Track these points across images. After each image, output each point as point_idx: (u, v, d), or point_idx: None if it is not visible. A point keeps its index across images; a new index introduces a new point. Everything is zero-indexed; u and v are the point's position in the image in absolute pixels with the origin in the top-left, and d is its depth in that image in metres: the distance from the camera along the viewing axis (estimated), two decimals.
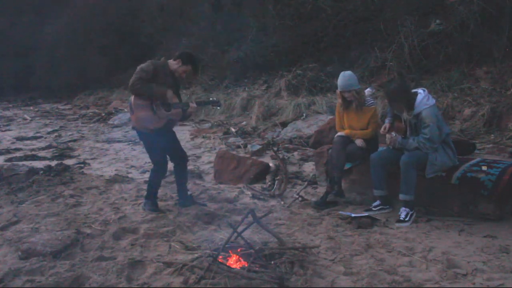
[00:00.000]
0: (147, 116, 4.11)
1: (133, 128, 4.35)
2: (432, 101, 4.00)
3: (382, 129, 4.30)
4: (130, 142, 8.46)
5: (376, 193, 4.27)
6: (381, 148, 4.49)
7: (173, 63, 4.26)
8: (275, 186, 5.17)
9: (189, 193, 4.64)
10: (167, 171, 4.49)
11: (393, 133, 4.16)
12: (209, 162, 6.47)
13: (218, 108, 5.07)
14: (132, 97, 4.12)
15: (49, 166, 6.05)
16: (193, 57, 4.36)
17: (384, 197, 4.26)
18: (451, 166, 4.05)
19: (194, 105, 4.35)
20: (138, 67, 4.11)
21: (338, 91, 4.58)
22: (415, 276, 2.93)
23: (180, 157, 4.47)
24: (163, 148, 4.29)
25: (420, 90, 4.06)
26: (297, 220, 4.10)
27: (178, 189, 4.53)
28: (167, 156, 4.43)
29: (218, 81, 12.49)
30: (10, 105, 16.78)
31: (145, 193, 4.54)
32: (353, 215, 4.07)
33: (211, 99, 4.68)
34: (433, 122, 3.89)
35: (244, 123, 9.63)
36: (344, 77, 4.50)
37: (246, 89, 11.42)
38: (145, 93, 4.06)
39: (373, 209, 4.25)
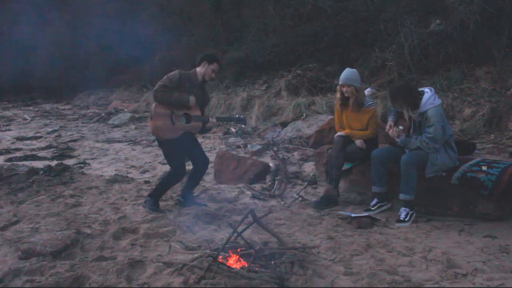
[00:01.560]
0: (165, 126, 4.14)
1: (153, 134, 4.40)
2: (438, 100, 4.00)
3: (387, 126, 4.28)
4: (130, 142, 8.46)
5: (375, 189, 4.27)
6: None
7: (199, 69, 4.29)
8: (275, 186, 5.17)
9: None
10: (183, 178, 4.50)
11: (401, 126, 4.13)
12: (209, 162, 6.46)
13: (243, 126, 4.94)
14: (154, 104, 4.16)
15: (49, 166, 6.05)
16: (215, 55, 4.43)
17: (381, 194, 4.26)
18: (451, 166, 4.06)
19: (214, 120, 4.37)
20: (166, 76, 4.15)
21: (338, 86, 4.59)
22: (415, 276, 2.93)
23: (201, 162, 4.48)
24: (181, 155, 4.31)
25: (427, 89, 4.06)
26: (297, 220, 4.10)
27: (185, 187, 4.53)
28: (189, 160, 4.45)
29: (218, 81, 12.48)
30: (10, 105, 16.76)
31: (145, 193, 4.54)
32: (353, 215, 4.07)
33: (236, 116, 4.64)
34: (438, 121, 3.90)
35: None
36: (348, 72, 4.54)
37: (246, 89, 11.41)
38: (165, 101, 4.09)
39: (372, 208, 4.26)
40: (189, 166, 4.53)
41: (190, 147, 4.38)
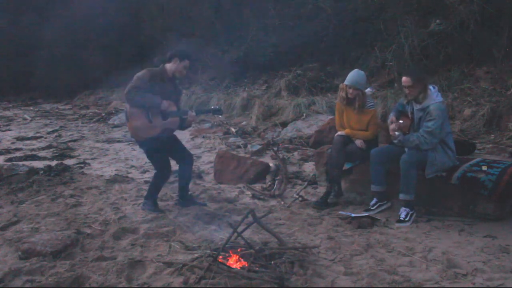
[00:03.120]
0: (142, 125, 4.08)
1: (132, 136, 4.35)
2: (440, 98, 4.05)
3: (389, 121, 4.27)
4: (130, 142, 8.46)
5: (374, 188, 4.27)
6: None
7: (170, 65, 4.21)
8: (275, 186, 5.17)
9: (189, 193, 4.64)
10: (170, 175, 4.48)
11: (401, 121, 4.12)
12: (209, 162, 6.46)
13: (220, 116, 4.93)
14: (128, 105, 4.10)
15: (49, 166, 6.04)
16: (187, 51, 4.33)
17: (380, 193, 4.27)
18: (451, 166, 4.06)
19: (193, 113, 4.31)
20: (135, 75, 4.07)
21: (343, 84, 4.53)
22: (415, 276, 2.93)
23: (185, 158, 4.44)
24: (163, 153, 4.27)
25: (430, 86, 4.08)
26: (297, 220, 4.10)
27: (179, 188, 4.52)
28: (171, 159, 4.40)
29: (218, 81, 12.47)
30: (10, 105, 16.75)
31: (145, 193, 4.54)
32: (353, 215, 4.07)
33: (212, 107, 4.59)
34: (439, 117, 3.91)
35: (244, 123, 9.62)
36: (356, 74, 4.50)
37: (246, 89, 11.41)
38: (138, 104, 4.02)
39: (372, 208, 4.26)
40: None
41: (171, 145, 4.33)
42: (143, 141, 4.20)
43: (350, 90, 4.46)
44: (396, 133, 4.08)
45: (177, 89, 4.41)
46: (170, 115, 4.17)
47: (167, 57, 4.24)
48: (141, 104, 4.03)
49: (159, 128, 4.14)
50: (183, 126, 4.39)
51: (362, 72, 4.56)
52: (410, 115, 4.18)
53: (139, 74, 4.09)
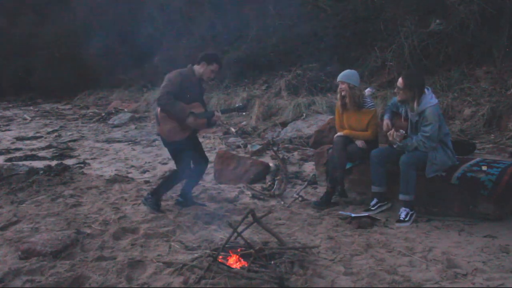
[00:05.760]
0: (173, 128, 4.19)
1: (158, 134, 4.42)
2: (435, 100, 4.03)
3: (385, 126, 4.27)
4: (130, 142, 8.46)
5: (374, 189, 4.27)
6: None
7: (198, 68, 4.29)
8: (275, 186, 5.17)
9: None
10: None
11: (401, 131, 4.12)
12: (209, 162, 6.46)
13: (244, 113, 5.10)
14: (158, 109, 4.19)
15: (49, 166, 6.04)
16: (216, 55, 4.43)
17: (381, 193, 4.27)
18: (451, 166, 4.06)
19: (219, 114, 4.42)
20: (166, 77, 4.16)
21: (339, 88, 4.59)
22: (415, 276, 2.93)
23: (202, 161, 4.51)
24: (188, 154, 4.34)
25: (424, 89, 4.07)
26: (297, 220, 4.10)
27: (184, 187, 4.53)
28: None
29: (218, 81, 12.48)
30: (10, 105, 16.76)
31: (145, 193, 4.54)
32: (353, 215, 4.07)
33: (237, 105, 4.72)
34: (436, 121, 3.90)
35: (244, 123, 9.62)
36: (346, 71, 4.56)
37: (246, 89, 11.41)
38: (170, 112, 4.13)
39: (372, 208, 4.26)
40: None
41: (194, 147, 4.43)
42: (171, 142, 4.29)
43: (340, 86, 4.50)
44: (397, 139, 4.08)
45: (202, 89, 4.51)
46: (199, 117, 4.26)
47: (197, 60, 4.32)
48: (170, 112, 4.15)
49: (189, 130, 4.27)
50: (209, 125, 4.51)
51: (354, 71, 4.62)
52: (404, 117, 4.17)
53: (171, 76, 4.16)
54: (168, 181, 4.48)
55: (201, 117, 4.29)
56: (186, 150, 4.30)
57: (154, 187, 4.59)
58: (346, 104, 4.53)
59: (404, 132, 4.08)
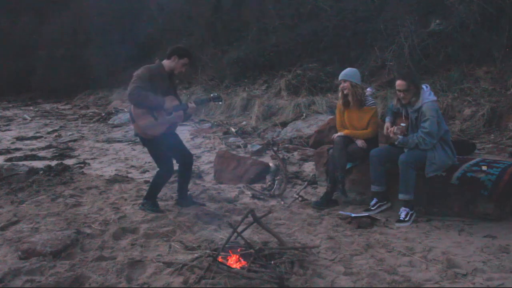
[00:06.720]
0: (149, 124, 4.09)
1: (136, 135, 4.34)
2: (433, 97, 4.06)
3: (385, 130, 4.28)
4: (130, 142, 8.46)
5: (374, 188, 4.27)
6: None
7: (168, 62, 4.23)
8: (275, 186, 5.17)
9: (188, 193, 4.64)
10: (173, 174, 4.49)
11: (402, 124, 4.11)
12: (209, 162, 6.46)
13: (220, 103, 4.96)
14: (132, 106, 4.10)
15: (49, 166, 6.04)
16: (186, 49, 4.35)
17: (381, 193, 4.27)
18: (451, 166, 4.06)
19: (193, 105, 4.34)
20: (134, 74, 4.07)
21: (340, 86, 4.60)
22: (415, 276, 2.93)
23: (186, 158, 4.46)
24: (168, 151, 4.29)
25: (423, 86, 4.09)
26: (297, 220, 4.10)
27: (178, 188, 4.52)
28: (173, 158, 4.42)
29: (218, 81, 12.49)
30: (10, 105, 16.76)
31: (144, 193, 4.53)
32: (353, 215, 4.07)
33: (211, 95, 4.62)
34: (433, 116, 3.91)
35: (244, 123, 9.63)
36: (347, 69, 4.58)
37: (246, 89, 11.41)
38: (142, 105, 4.03)
39: (372, 208, 4.26)
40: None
41: (175, 143, 4.35)
42: (148, 139, 4.21)
43: (342, 85, 4.52)
44: (399, 136, 4.08)
45: (174, 83, 4.45)
46: (174, 110, 4.20)
47: (166, 54, 4.26)
48: (145, 105, 4.05)
49: (166, 124, 4.18)
50: (184, 118, 4.42)
51: (355, 69, 4.64)
52: (405, 116, 4.18)
53: (139, 72, 4.08)
54: (155, 182, 4.39)
55: (177, 110, 4.21)
56: (165, 147, 4.22)
57: (146, 192, 4.54)
58: (348, 102, 4.53)
59: (405, 125, 4.10)
